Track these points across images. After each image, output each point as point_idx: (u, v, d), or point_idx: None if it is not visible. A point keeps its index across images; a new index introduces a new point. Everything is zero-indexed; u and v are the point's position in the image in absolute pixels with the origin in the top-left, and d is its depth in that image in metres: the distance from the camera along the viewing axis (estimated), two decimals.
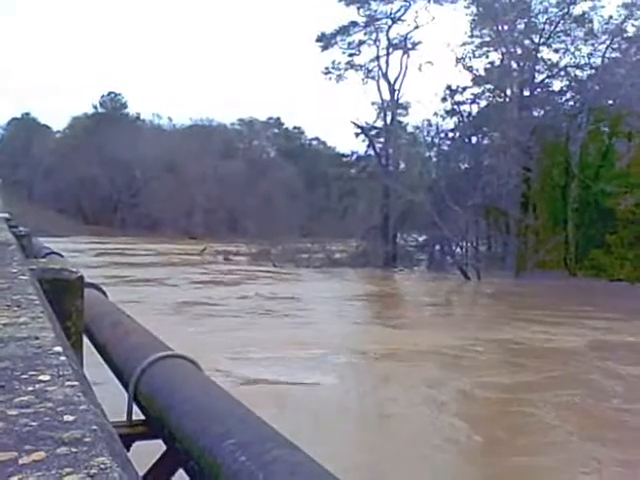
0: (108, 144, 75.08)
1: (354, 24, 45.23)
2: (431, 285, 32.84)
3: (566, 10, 39.36)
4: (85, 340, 2.82)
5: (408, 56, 43.63)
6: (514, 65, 40.79)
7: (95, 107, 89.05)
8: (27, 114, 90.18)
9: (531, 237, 39.12)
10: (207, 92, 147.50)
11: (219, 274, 33.06)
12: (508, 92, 41.25)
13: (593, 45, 39.59)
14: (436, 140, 45.35)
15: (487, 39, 41.71)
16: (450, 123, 45.24)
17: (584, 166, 38.27)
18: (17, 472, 0.68)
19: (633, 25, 38.28)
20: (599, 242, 36.27)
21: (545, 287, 30.84)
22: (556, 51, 40.86)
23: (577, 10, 39.33)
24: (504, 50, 40.58)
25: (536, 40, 40.39)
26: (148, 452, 2.18)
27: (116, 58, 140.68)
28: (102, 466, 0.70)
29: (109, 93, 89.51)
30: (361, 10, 44.44)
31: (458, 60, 42.31)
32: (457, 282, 33.37)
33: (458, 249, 40.70)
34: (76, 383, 1.02)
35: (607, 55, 38.78)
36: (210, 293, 24.66)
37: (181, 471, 1.89)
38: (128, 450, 2.07)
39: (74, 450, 0.74)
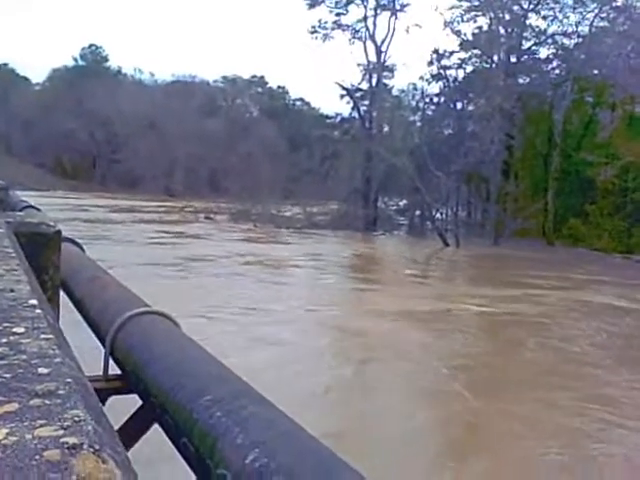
0: (88, 98, 73.65)
1: None
2: (410, 250, 33.02)
3: None
4: (62, 295, 2.80)
5: (396, 18, 43.16)
6: (502, 31, 40.50)
7: (75, 60, 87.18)
8: (5, 64, 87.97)
9: (511, 204, 39.38)
10: (190, 47, 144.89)
11: (248, 232, 33.80)
12: (495, 58, 41.03)
13: (581, 13, 39.44)
14: (421, 104, 45.23)
15: (476, 3, 41.23)
16: (435, 87, 45.16)
17: (567, 135, 38.42)
18: None
19: None
20: (578, 211, 36.61)
21: (522, 254, 31.20)
22: (544, 18, 40.67)
23: None
24: (492, 15, 40.24)
25: (525, 6, 40.05)
26: (124, 407, 2.19)
27: (98, 10, 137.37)
28: (76, 419, 0.69)
29: (90, 45, 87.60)
30: None
31: (446, 24, 41.92)
32: (436, 247, 33.55)
33: (438, 215, 40.86)
34: (51, 336, 1.00)
35: (595, 24, 38.63)
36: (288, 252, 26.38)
37: (156, 426, 1.91)
38: (104, 404, 2.07)
39: (48, 402, 0.74)
